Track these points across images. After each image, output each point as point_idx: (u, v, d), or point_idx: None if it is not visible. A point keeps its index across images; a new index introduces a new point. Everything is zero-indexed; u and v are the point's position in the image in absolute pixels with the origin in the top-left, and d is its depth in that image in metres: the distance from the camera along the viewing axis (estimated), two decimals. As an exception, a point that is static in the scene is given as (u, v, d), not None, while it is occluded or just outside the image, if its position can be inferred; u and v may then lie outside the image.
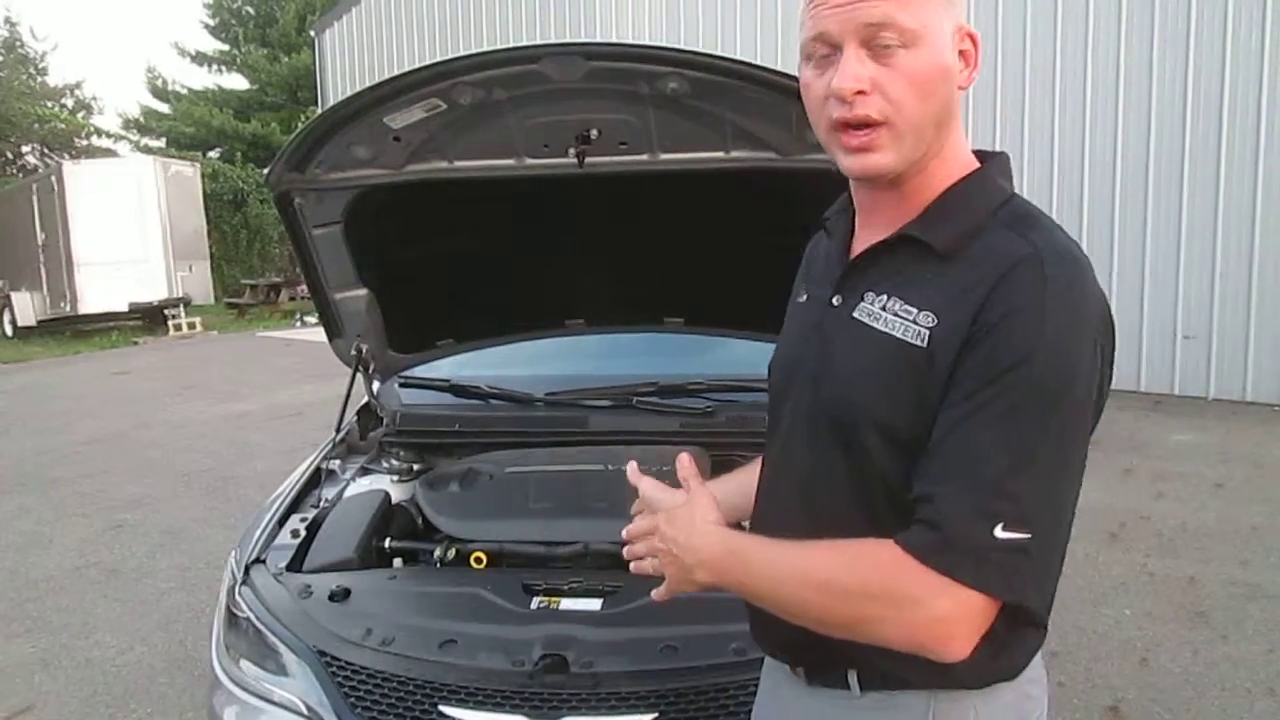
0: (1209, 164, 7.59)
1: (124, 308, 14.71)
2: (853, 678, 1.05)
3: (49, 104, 24.60)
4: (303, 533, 2.16)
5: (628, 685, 1.59)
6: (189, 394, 9.41)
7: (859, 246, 1.09)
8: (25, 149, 24.13)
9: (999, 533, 0.88)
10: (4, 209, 16.61)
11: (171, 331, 14.85)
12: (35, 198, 15.04)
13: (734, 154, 2.22)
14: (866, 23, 0.93)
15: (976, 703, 1.02)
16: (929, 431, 0.94)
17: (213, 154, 23.78)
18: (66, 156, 21.42)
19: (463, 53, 2.04)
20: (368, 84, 2.11)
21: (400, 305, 2.72)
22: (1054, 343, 0.90)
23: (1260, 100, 7.32)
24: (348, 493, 2.40)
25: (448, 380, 2.79)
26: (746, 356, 2.37)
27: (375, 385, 2.81)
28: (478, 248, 2.64)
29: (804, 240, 1.26)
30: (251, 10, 26.68)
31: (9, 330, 15.46)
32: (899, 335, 0.97)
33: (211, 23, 27.06)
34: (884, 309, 1.00)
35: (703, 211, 2.43)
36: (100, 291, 14.33)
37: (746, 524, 1.21)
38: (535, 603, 1.83)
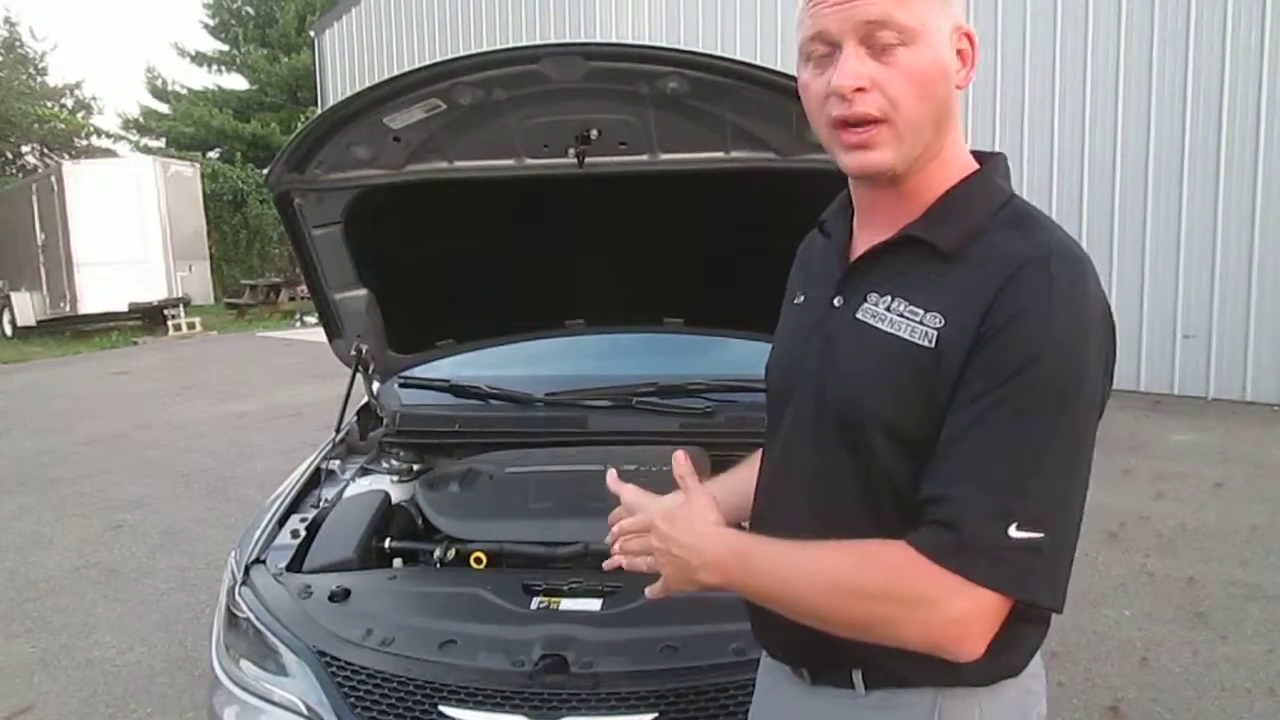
0: (1209, 164, 7.59)
1: (124, 308, 14.71)
2: (857, 677, 1.06)
3: (49, 104, 24.61)
4: (303, 533, 2.16)
5: (627, 685, 1.59)
6: (189, 394, 9.41)
7: (859, 247, 1.09)
8: (25, 149, 24.15)
9: (1013, 532, 0.89)
10: (4, 209, 16.62)
11: (171, 332, 14.85)
12: (35, 198, 15.04)
13: (734, 154, 2.22)
14: (866, 20, 0.94)
15: (982, 699, 1.03)
16: (937, 432, 0.94)
17: (212, 154, 23.80)
18: (66, 156, 21.43)
19: (463, 53, 2.04)
20: (368, 84, 2.11)
21: (400, 305, 2.72)
22: (1062, 342, 0.91)
23: (1260, 100, 7.32)
24: (348, 493, 2.40)
25: (448, 380, 2.79)
26: (746, 357, 2.36)
27: (375, 385, 2.81)
28: (478, 248, 2.64)
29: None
30: (251, 10, 26.68)
31: (9, 330, 15.47)
32: (905, 336, 0.98)
33: (211, 23, 27.06)
34: (888, 310, 1.01)
35: (703, 212, 2.43)
36: (100, 291, 14.33)
37: (746, 524, 1.21)
38: (535, 603, 1.83)
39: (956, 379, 0.93)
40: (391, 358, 2.85)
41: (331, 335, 2.74)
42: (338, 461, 2.61)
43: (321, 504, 2.35)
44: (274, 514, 2.25)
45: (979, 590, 0.90)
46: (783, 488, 1.14)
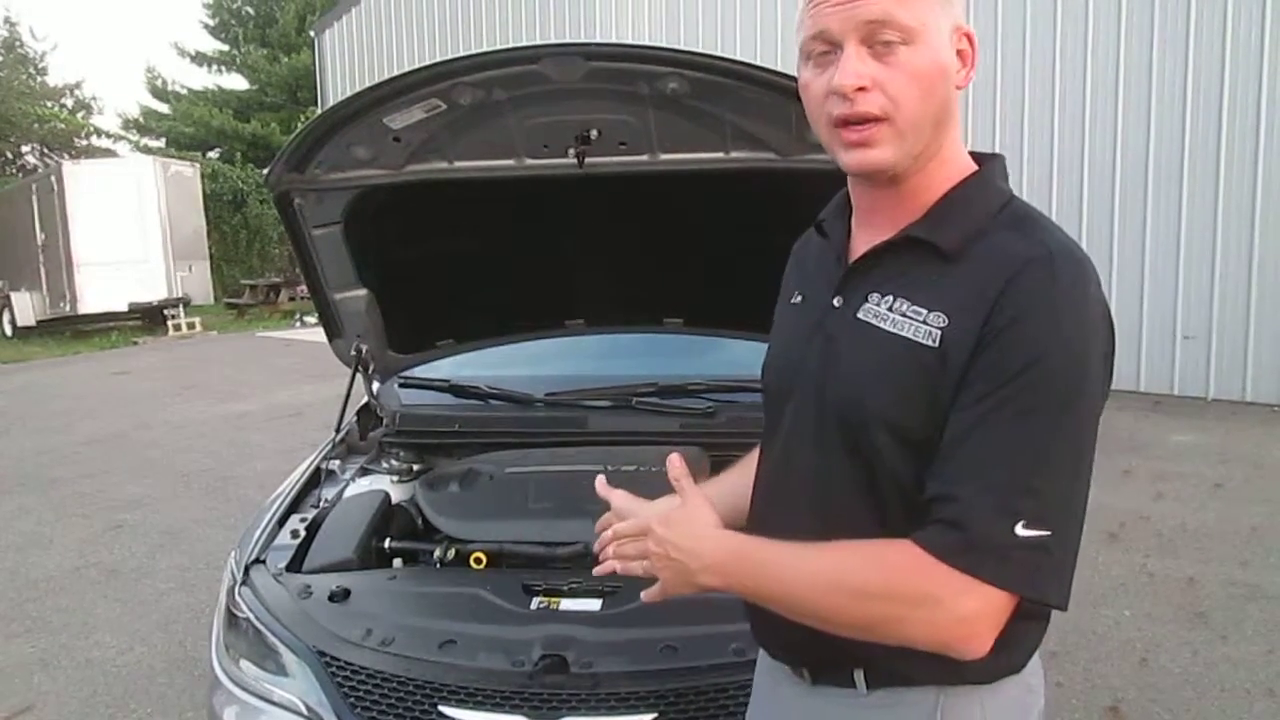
0: (1209, 164, 7.59)
1: (124, 308, 14.70)
2: (859, 676, 1.06)
3: (49, 104, 24.61)
4: (302, 533, 2.16)
5: (627, 685, 1.59)
6: (189, 394, 9.41)
7: (858, 248, 1.09)
8: (25, 149, 24.16)
9: (1020, 531, 0.89)
10: (4, 209, 16.61)
11: (171, 332, 14.85)
12: (35, 198, 15.05)
13: (734, 154, 2.22)
14: (867, 20, 0.94)
15: (984, 697, 1.03)
16: (940, 432, 0.94)
17: (212, 154, 23.79)
18: (66, 156, 21.43)
19: (463, 53, 2.04)
20: (368, 84, 2.12)
21: (400, 305, 2.72)
22: (1065, 343, 0.91)
23: (1260, 100, 7.32)
24: (347, 493, 2.40)
25: (447, 380, 2.79)
26: (746, 357, 2.36)
27: (375, 385, 2.81)
28: (478, 248, 2.64)
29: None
30: (251, 10, 26.67)
31: (9, 330, 15.46)
32: (908, 336, 0.98)
33: (211, 23, 27.06)
34: (891, 310, 1.01)
35: (703, 212, 2.43)
36: (100, 291, 14.34)
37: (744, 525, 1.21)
38: (535, 603, 1.83)
39: (960, 378, 0.94)
40: (391, 358, 2.85)
41: (331, 335, 2.74)
42: (338, 461, 2.61)
43: (321, 504, 2.35)
44: (274, 514, 2.25)
45: (986, 589, 0.90)
46: (782, 488, 1.14)
